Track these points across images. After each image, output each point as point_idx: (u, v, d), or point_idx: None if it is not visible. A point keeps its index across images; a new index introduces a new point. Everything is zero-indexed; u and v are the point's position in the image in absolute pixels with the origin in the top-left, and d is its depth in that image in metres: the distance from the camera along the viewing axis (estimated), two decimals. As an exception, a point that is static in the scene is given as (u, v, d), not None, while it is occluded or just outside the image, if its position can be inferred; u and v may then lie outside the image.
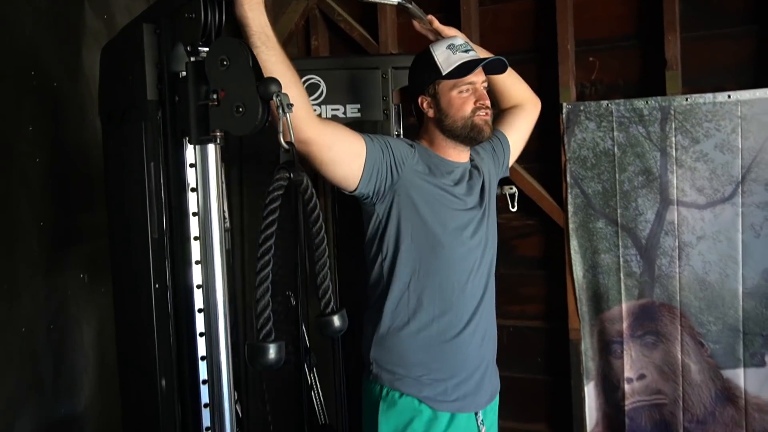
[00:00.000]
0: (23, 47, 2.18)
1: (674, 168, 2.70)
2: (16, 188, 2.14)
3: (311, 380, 2.57)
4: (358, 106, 2.27)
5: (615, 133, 2.78)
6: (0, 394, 2.05)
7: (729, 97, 2.59)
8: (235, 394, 2.18)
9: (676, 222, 2.71)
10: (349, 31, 3.23)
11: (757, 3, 2.63)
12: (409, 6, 2.08)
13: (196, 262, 1.51)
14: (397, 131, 2.32)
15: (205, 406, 1.52)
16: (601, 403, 2.91)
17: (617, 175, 2.79)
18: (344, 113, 2.27)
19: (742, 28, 2.66)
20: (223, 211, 2.35)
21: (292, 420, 2.58)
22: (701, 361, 2.71)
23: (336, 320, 1.42)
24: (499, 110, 2.25)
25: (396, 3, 2.05)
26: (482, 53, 2.09)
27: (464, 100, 1.87)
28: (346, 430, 2.46)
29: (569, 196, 2.88)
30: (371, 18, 3.17)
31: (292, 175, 1.31)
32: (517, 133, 2.19)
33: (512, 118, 2.19)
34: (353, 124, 2.28)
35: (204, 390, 1.53)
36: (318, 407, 2.61)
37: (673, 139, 2.69)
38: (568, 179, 2.88)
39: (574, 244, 2.88)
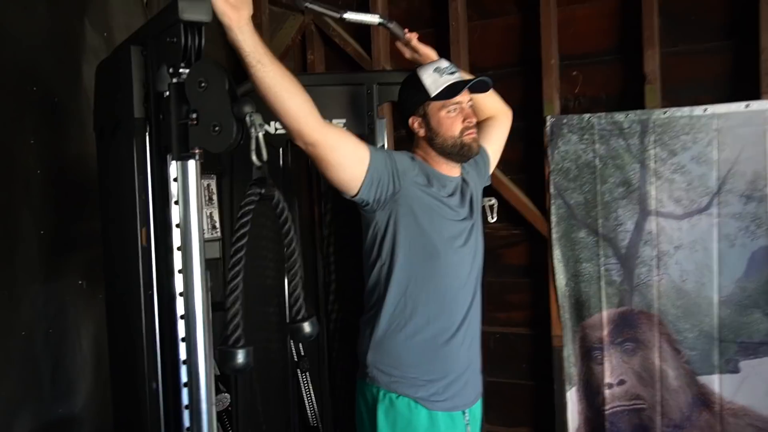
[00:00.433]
0: (25, 63, 2.22)
1: (653, 179, 2.74)
2: (18, 198, 2.18)
3: (304, 384, 2.64)
4: (344, 120, 2.31)
5: (596, 146, 2.83)
6: (0, 394, 2.10)
7: (705, 110, 2.63)
8: (227, 395, 2.27)
9: (654, 232, 2.75)
10: (343, 46, 3.29)
11: (734, 19, 2.67)
12: (390, 26, 2.14)
13: (179, 271, 1.57)
14: (381, 144, 2.38)
15: (186, 407, 1.57)
16: (583, 408, 2.95)
17: (598, 187, 2.84)
18: None
19: (718, 44, 2.70)
20: (215, 222, 2.45)
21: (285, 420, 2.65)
22: (678, 367, 2.75)
23: (306, 326, 1.49)
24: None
25: (377, 23, 2.11)
26: (464, 75, 2.16)
27: (453, 120, 1.93)
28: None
29: (552, 207, 2.92)
30: (365, 33, 3.22)
31: (263, 191, 1.38)
32: (494, 143, 2.26)
33: (488, 130, 2.25)
34: None
35: (185, 392, 1.58)
36: (310, 410, 2.68)
37: (652, 151, 2.73)
38: (552, 190, 2.92)
39: (557, 253, 2.93)
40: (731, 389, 2.67)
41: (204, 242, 1.55)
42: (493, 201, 2.45)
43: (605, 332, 2.87)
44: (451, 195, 1.98)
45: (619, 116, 2.78)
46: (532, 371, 3.13)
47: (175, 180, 1.57)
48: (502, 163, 3.00)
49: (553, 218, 2.93)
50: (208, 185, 2.48)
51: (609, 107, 2.88)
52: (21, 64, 2.22)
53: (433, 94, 1.93)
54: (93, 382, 2.38)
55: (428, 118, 1.96)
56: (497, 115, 2.29)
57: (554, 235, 2.93)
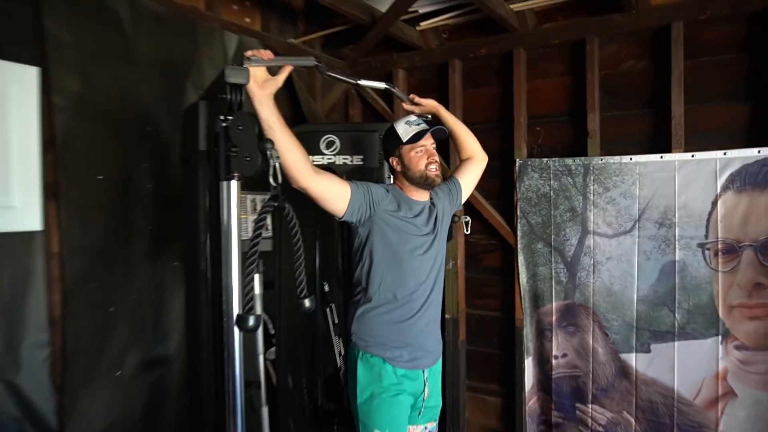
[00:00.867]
0: (144, 111, 2.31)
1: (592, 208, 2.70)
2: (134, 205, 2.25)
3: (337, 346, 2.64)
4: (362, 156, 2.34)
5: (552, 182, 2.80)
6: (117, 339, 2.18)
7: (630, 159, 2.59)
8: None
9: (592, 246, 2.71)
10: (374, 104, 3.33)
11: (653, 94, 2.63)
12: (394, 90, 2.14)
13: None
14: (388, 175, 2.39)
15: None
16: (536, 372, 2.91)
17: (552, 211, 2.81)
18: (351, 161, 2.35)
19: (641, 111, 2.66)
20: (267, 224, 2.48)
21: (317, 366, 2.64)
22: (606, 346, 2.69)
23: (306, 302, 1.50)
24: (459, 160, 2.28)
25: (383, 88, 2.11)
26: (448, 115, 2.17)
27: (419, 158, 1.92)
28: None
29: (519, 225, 2.91)
30: (390, 96, 3.26)
31: (276, 203, 1.42)
32: (468, 178, 2.20)
33: (465, 168, 2.21)
34: (357, 169, 2.38)
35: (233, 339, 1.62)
36: (339, 361, 2.68)
37: (592, 187, 2.70)
38: (518, 213, 2.90)
39: (521, 259, 2.90)
40: (644, 365, 2.61)
41: (241, 239, 1.59)
42: (468, 218, 2.44)
43: (554, 318, 2.83)
44: (418, 215, 1.95)
45: (569, 161, 2.76)
46: (502, 344, 3.10)
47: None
48: (485, 192, 3.04)
49: (519, 233, 2.91)
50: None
51: (562, 154, 2.85)
52: (141, 112, 2.30)
53: (405, 140, 1.92)
54: (180, 333, 2.42)
55: (402, 157, 1.95)
56: (475, 157, 2.24)
57: (519, 246, 2.91)
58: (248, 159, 1.46)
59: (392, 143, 1.97)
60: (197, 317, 1.80)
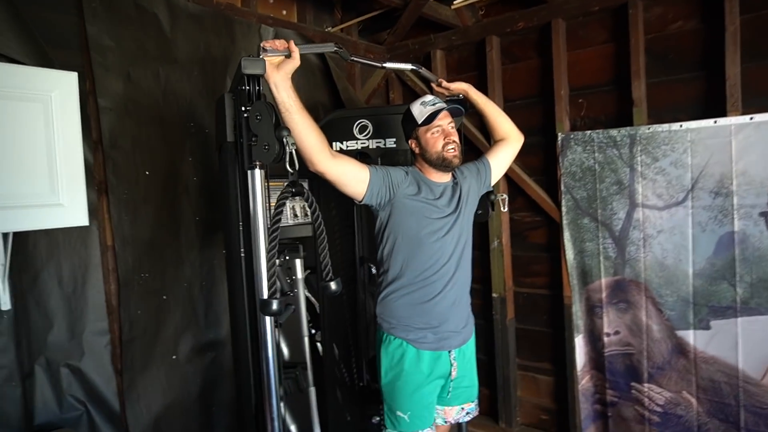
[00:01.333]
0: (186, 107, 2.34)
1: (639, 180, 2.51)
2: (181, 196, 2.30)
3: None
4: (394, 139, 2.27)
5: (596, 155, 2.62)
6: (171, 325, 2.24)
7: (681, 126, 2.38)
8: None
9: (641, 220, 2.52)
10: (413, 87, 3.24)
11: (704, 55, 2.39)
12: (421, 71, 2.06)
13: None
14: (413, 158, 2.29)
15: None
16: (588, 350, 2.76)
17: (597, 185, 2.63)
18: (384, 144, 2.28)
19: (692, 74, 2.43)
20: (296, 212, 2.45)
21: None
22: (660, 323, 2.50)
23: (332, 285, 1.47)
24: (492, 141, 2.16)
25: (410, 69, 2.04)
26: (478, 96, 2.06)
27: (436, 139, 1.83)
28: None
29: (563, 200, 2.75)
30: (429, 76, 3.16)
31: (294, 189, 1.38)
32: (499, 159, 2.08)
33: (497, 149, 2.09)
34: (390, 152, 2.30)
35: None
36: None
37: (639, 158, 2.50)
38: (562, 188, 2.74)
39: (566, 235, 2.75)
40: (702, 342, 2.40)
41: (267, 225, 1.56)
42: (504, 196, 2.31)
43: (604, 295, 2.67)
44: (439, 197, 1.87)
45: (614, 132, 2.57)
46: (551, 322, 2.96)
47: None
48: (527, 168, 2.91)
49: (564, 209, 2.75)
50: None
51: (606, 125, 2.66)
52: (184, 108, 2.34)
53: (420, 122, 1.83)
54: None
55: (419, 139, 1.87)
56: (508, 138, 2.10)
57: (564, 221, 2.75)
58: (267, 147, 1.43)
59: (409, 125, 1.90)
60: (235, 302, 1.81)
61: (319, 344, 2.54)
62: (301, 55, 1.59)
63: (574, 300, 2.76)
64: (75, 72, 1.75)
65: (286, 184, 1.39)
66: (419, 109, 1.85)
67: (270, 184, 1.66)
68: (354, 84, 3.23)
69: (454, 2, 2.93)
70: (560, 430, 2.95)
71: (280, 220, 1.36)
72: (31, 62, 1.87)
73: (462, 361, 1.91)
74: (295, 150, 1.39)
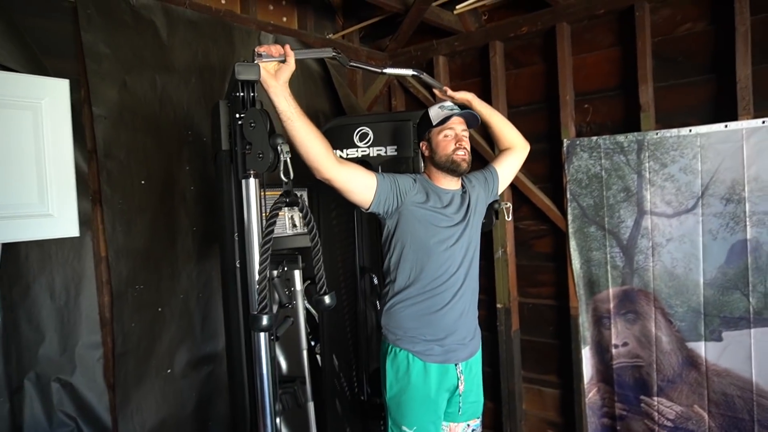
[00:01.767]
0: (183, 116, 2.29)
1: (648, 186, 2.43)
2: (178, 206, 2.24)
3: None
4: (395, 147, 2.21)
5: (603, 161, 2.55)
6: (166, 338, 2.17)
7: (690, 130, 2.30)
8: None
9: (649, 228, 2.44)
10: (416, 94, 3.19)
11: (714, 57, 2.32)
12: (422, 76, 2.01)
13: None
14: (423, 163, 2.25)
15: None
16: (595, 362, 2.67)
17: (604, 192, 2.56)
18: (385, 152, 2.22)
19: (701, 77, 2.35)
20: (294, 222, 2.39)
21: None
22: (670, 334, 2.42)
23: (327, 299, 1.41)
24: (498, 150, 2.13)
25: (411, 75, 1.98)
26: (482, 107, 2.01)
27: (447, 142, 1.79)
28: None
29: (569, 208, 2.67)
30: (432, 84, 3.11)
31: (288, 199, 1.32)
32: (505, 167, 2.04)
33: (503, 157, 2.06)
34: (391, 160, 2.24)
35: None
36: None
37: (647, 164, 2.42)
38: (568, 195, 2.67)
39: (572, 244, 2.67)
40: (715, 354, 2.31)
41: (262, 235, 1.50)
42: (509, 205, 2.24)
43: (611, 305, 2.58)
44: (448, 205, 1.82)
45: (621, 138, 2.49)
46: (557, 333, 2.88)
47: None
48: (532, 176, 2.84)
49: (570, 217, 2.68)
50: (301, 195, 2.46)
51: (613, 131, 2.59)
52: (181, 117, 2.28)
53: (434, 123, 1.81)
54: (229, 330, 2.40)
55: (431, 141, 1.84)
56: (514, 147, 2.07)
57: (571, 230, 2.68)
58: (261, 156, 1.38)
59: (424, 127, 1.88)
60: (229, 316, 1.75)
61: (318, 356, 2.48)
62: (302, 62, 1.56)
63: (581, 310, 2.68)
64: (66, 79, 1.70)
65: (280, 193, 1.33)
66: (436, 112, 1.83)
67: (267, 193, 1.62)
68: (356, 91, 3.17)
69: (457, 7, 2.87)
70: (568, 445, 2.86)
71: (272, 231, 1.30)
72: (24, 70, 1.82)
73: (469, 374, 1.85)
74: (290, 159, 1.33)
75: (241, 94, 1.46)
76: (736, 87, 2.19)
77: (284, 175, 1.33)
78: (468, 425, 1.88)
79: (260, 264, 1.29)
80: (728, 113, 2.24)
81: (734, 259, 2.24)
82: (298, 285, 2.20)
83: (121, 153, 2.09)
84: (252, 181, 1.50)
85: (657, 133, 2.38)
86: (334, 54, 1.70)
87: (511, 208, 2.30)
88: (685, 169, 2.32)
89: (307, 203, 1.42)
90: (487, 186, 1.97)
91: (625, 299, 2.54)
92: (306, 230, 1.39)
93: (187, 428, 2.20)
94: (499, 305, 2.95)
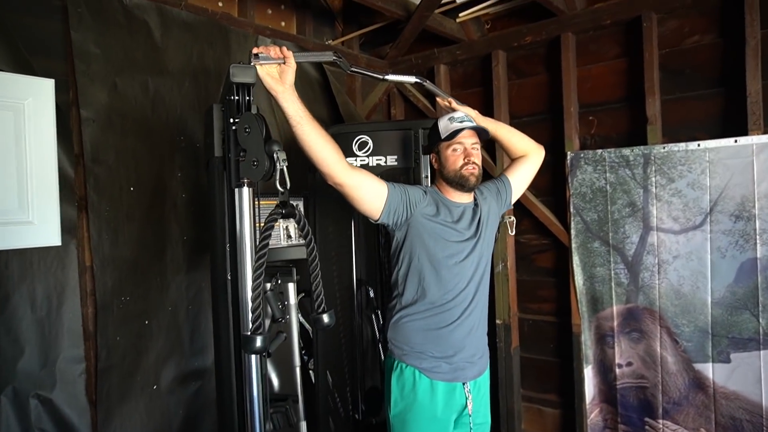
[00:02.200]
0: (176, 121, 2.21)
1: (654, 202, 2.38)
2: (168, 214, 2.16)
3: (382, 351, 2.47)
4: (396, 157, 2.15)
5: (607, 175, 2.50)
6: (153, 352, 2.08)
7: (698, 145, 2.25)
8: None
9: (656, 244, 2.38)
10: (416, 103, 3.14)
11: (723, 70, 2.27)
12: (425, 84, 1.94)
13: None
14: (425, 174, 2.18)
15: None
16: (598, 382, 2.60)
17: (609, 207, 2.50)
18: (385, 162, 2.16)
19: (709, 91, 2.31)
20: (289, 232, 2.33)
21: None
22: (676, 354, 2.35)
23: (325, 318, 1.34)
24: (510, 159, 2.06)
25: (413, 82, 1.92)
26: (486, 122, 1.94)
27: (456, 157, 1.75)
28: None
29: (572, 223, 2.61)
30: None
31: (284, 210, 1.25)
32: (519, 176, 1.98)
33: (516, 166, 2.00)
34: (392, 170, 2.19)
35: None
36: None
37: (653, 179, 2.37)
38: (572, 210, 2.61)
39: (575, 259, 2.61)
40: (723, 376, 2.24)
41: (256, 248, 1.43)
42: (513, 219, 2.18)
43: (615, 323, 2.52)
44: (459, 219, 1.77)
45: (626, 151, 2.44)
46: (558, 351, 2.81)
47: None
48: (534, 189, 2.77)
49: (573, 231, 2.62)
50: (297, 206, 2.40)
51: (618, 144, 2.54)
52: (173, 121, 2.21)
53: (443, 136, 1.76)
54: (219, 345, 2.32)
55: (440, 154, 1.79)
56: (527, 154, 2.00)
57: (574, 245, 2.62)
58: (256, 163, 1.31)
59: (433, 139, 1.82)
60: (219, 331, 1.66)
61: (311, 373, 2.40)
62: (300, 67, 1.51)
63: (584, 328, 2.61)
64: (51, 79, 1.62)
65: (275, 204, 1.25)
66: (445, 124, 1.78)
67: (261, 203, 1.55)
68: (354, 99, 3.12)
69: (460, 15, 2.82)
70: (568, 467, 2.78)
71: (267, 245, 1.23)
72: (9, 69, 1.75)
73: (477, 394, 1.78)
74: (287, 167, 1.25)
75: (236, 97, 1.39)
76: (747, 101, 2.15)
77: (280, 185, 1.26)
78: (476, 447, 1.81)
79: (254, 280, 1.21)
80: (738, 128, 2.19)
81: (744, 278, 2.18)
82: (292, 299, 2.13)
83: (109, 158, 2.01)
84: (246, 190, 1.43)
85: (664, 147, 2.33)
86: (335, 58, 1.64)
87: (515, 222, 2.23)
88: (693, 184, 2.27)
89: (303, 214, 1.32)
90: (500, 197, 1.92)
91: (629, 317, 2.47)
92: (303, 243, 1.31)
93: (172, 448, 2.11)
94: (498, 321, 2.89)
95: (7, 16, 1.80)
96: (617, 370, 2.51)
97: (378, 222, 1.71)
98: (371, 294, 2.43)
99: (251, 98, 1.40)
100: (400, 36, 2.93)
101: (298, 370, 2.09)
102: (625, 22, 2.46)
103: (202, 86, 2.33)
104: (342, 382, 2.36)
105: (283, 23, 2.84)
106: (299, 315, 2.21)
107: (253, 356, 1.43)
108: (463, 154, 1.75)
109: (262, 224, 1.27)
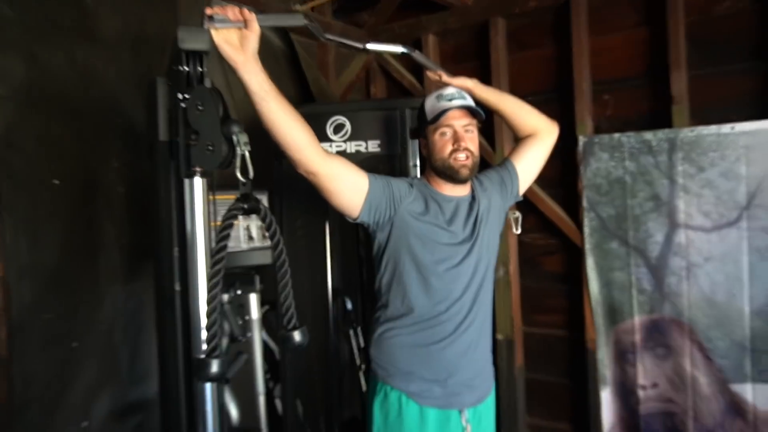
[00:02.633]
0: (112, 99, 2.14)
1: (681, 194, 2.38)
2: (102, 212, 2.09)
3: (363, 374, 2.43)
4: (378, 142, 2.12)
5: (626, 163, 2.49)
6: (82, 380, 2.00)
7: (732, 128, 2.25)
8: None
9: (684, 244, 2.38)
10: (400, 79, 3.12)
11: (761, 41, 2.27)
12: (414, 55, 1.88)
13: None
14: (413, 163, 2.13)
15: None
16: (617, 407, 2.58)
17: (629, 201, 2.50)
18: (366, 148, 2.14)
19: (746, 64, 2.32)
20: (251, 233, 2.28)
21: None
22: (710, 374, 2.34)
23: (296, 336, 1.28)
24: (517, 139, 1.99)
25: (400, 52, 1.85)
26: (487, 93, 1.88)
27: (444, 143, 1.70)
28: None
29: (585, 219, 2.61)
30: (419, 68, 2.97)
31: (246, 205, 1.17)
32: (527, 160, 1.92)
33: (523, 147, 1.93)
34: (374, 158, 2.16)
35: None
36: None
37: (680, 168, 2.36)
38: (585, 204, 2.60)
39: (590, 262, 2.60)
40: (765, 398, 2.25)
41: (211, 252, 1.37)
42: (518, 214, 2.12)
43: (637, 337, 2.51)
44: (451, 218, 1.73)
45: (648, 135, 2.43)
46: (570, 371, 2.80)
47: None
48: (539, 180, 2.68)
49: (587, 230, 2.61)
50: (261, 200, 2.36)
51: (639, 127, 2.53)
52: (108, 100, 2.15)
53: (428, 119, 1.71)
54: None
55: (428, 139, 1.75)
56: (537, 132, 1.93)
57: (587, 246, 2.61)
58: (211, 148, 1.24)
59: (421, 121, 1.78)
60: (165, 354, 1.60)
61: (278, 402, 2.40)
62: (262, 36, 1.42)
63: (600, 344, 2.61)
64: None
65: (235, 198, 1.18)
66: (432, 103, 1.73)
67: (218, 197, 1.52)
68: (327, 74, 3.09)
69: (451, -25, 2.78)
70: (583, 508, 2.77)
71: (225, 247, 1.16)
72: None
73: (478, 425, 1.74)
74: (249, 152, 1.19)
75: (186, 68, 1.33)
76: (789, 76, 2.13)
77: (241, 174, 1.20)
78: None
79: (209, 290, 1.14)
80: (779, 107, 2.18)
81: (787, 283, 2.17)
82: (255, 312, 2.11)
83: (27, 144, 1.92)
84: (198, 181, 1.37)
85: (692, 131, 2.33)
86: (306, 22, 1.57)
87: (520, 218, 2.18)
88: (727, 173, 2.27)
89: (268, 210, 1.25)
90: (504, 188, 1.87)
91: (653, 330, 2.47)
92: (269, 245, 1.25)
93: (107, 499, 2.02)
94: (499, 336, 2.88)
95: None
96: (640, 393, 2.50)
97: (357, 221, 1.67)
98: (349, 306, 2.44)
99: (204, 69, 1.33)
100: (381, 1, 2.89)
101: (262, 398, 2.12)
102: (647, -16, 2.46)
103: (143, 58, 2.27)
104: (315, 412, 2.35)
105: (242, -16, 2.76)
106: (263, 333, 2.22)
107: (208, 384, 1.36)
108: (452, 138, 1.69)
109: (219, 223, 1.21)
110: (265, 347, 2.33)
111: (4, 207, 1.85)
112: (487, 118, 1.87)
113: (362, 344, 2.41)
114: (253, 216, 2.16)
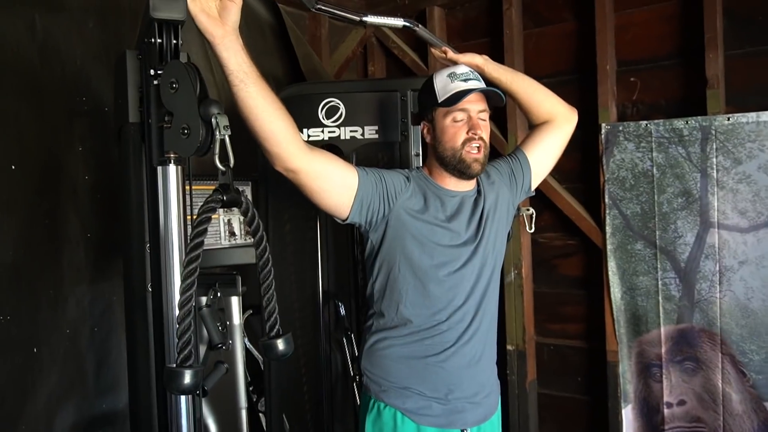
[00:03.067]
0: (76, 76, 2.17)
1: (715, 190, 2.43)
2: (65, 203, 2.12)
3: (357, 386, 2.48)
4: (376, 127, 2.14)
5: (654, 154, 2.54)
6: (43, 390, 2.03)
7: (774, 116, 2.28)
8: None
9: (716, 245, 2.43)
10: (401, 57, 3.17)
11: (808, 17, 2.30)
12: (417, 29, 1.92)
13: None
14: (416, 152, 2.16)
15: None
16: (640, 426, 2.65)
17: (656, 197, 2.55)
18: (362, 135, 2.15)
19: (790, 45, 2.35)
20: (233, 228, 2.32)
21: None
22: (743, 390, 2.40)
23: (280, 344, 1.31)
24: (531, 126, 2.02)
25: (401, 26, 1.89)
26: (499, 71, 1.90)
27: (457, 130, 1.71)
28: None
29: (607, 217, 2.66)
30: (423, 44, 3.05)
31: (225, 197, 1.19)
32: (542, 150, 1.93)
33: (538, 135, 1.94)
34: (371, 146, 2.19)
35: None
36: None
37: (714, 160, 2.41)
38: (607, 200, 2.65)
39: (612, 265, 2.65)
40: (803, 418, 2.28)
41: (186, 248, 1.39)
42: (531, 211, 2.16)
43: (664, 349, 2.57)
44: (453, 216, 1.75)
45: (679, 123, 2.47)
46: (588, 386, 2.86)
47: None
48: (556, 172, 2.78)
49: (608, 229, 2.66)
50: (243, 192, 2.40)
51: (668, 113, 2.59)
52: (72, 76, 2.17)
53: (440, 100, 1.71)
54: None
55: (435, 123, 1.76)
56: (554, 118, 1.94)
57: (609, 247, 2.66)
58: (186, 131, 1.26)
59: (426, 101, 1.79)
60: (136, 361, 1.63)
61: (262, 416, 2.43)
62: (245, 6, 1.46)
63: (621, 356, 2.66)
64: None
65: (214, 189, 1.21)
66: (444, 82, 1.73)
67: (194, 187, 1.52)
68: (320, 51, 3.14)
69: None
70: None
71: (201, 243, 1.18)
72: None
73: None
74: (229, 137, 1.21)
75: (159, 40, 1.33)
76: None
77: (221, 161, 1.20)
78: None
79: (183, 291, 1.15)
80: (825, 93, 2.23)
81: (830, 291, 2.22)
82: (236, 317, 2.15)
83: (-21, 124, 1.95)
84: (172, 168, 1.38)
85: (728, 118, 2.37)
86: (295, -10, 1.59)
87: (534, 215, 2.22)
88: (766, 167, 2.31)
89: (251, 203, 1.27)
90: (514, 182, 1.89)
91: (681, 342, 2.52)
92: (252, 243, 1.28)
93: None
94: (509, 346, 2.93)
95: None
96: (665, 411, 2.55)
97: (347, 222, 1.70)
98: (342, 311, 2.47)
99: (179, 42, 1.34)
100: (381, -32, 2.93)
101: (244, 413, 2.14)
102: (679, -49, 2.51)
103: (111, 29, 2.30)
104: (303, 428, 2.38)
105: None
106: (246, 340, 2.28)
107: (183, 396, 1.38)
108: (467, 125, 1.71)
109: (195, 216, 1.22)
110: (249, 356, 2.36)
111: (-46, 196, 1.89)
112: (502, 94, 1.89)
113: (356, 353, 2.46)
114: (235, 209, 2.21)
